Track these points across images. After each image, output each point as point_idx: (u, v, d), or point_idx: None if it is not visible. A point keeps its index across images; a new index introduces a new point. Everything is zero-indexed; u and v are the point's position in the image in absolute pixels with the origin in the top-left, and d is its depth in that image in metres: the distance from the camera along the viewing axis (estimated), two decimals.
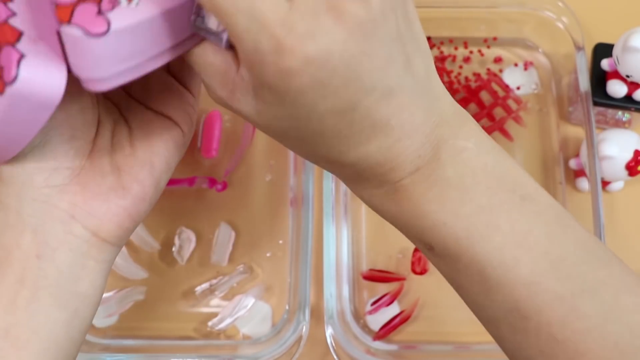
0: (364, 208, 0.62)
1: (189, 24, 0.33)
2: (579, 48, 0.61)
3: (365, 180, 0.36)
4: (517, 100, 0.64)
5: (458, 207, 0.34)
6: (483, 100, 0.64)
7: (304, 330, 0.54)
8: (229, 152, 0.63)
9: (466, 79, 0.64)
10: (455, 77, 0.64)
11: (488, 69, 0.65)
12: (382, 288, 0.59)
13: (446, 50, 0.65)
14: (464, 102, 0.63)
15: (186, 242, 0.60)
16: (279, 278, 0.60)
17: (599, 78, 0.61)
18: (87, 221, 0.36)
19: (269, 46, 0.29)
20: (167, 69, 0.40)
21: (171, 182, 0.62)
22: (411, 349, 0.58)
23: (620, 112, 0.63)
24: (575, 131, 0.64)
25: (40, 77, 0.31)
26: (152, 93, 0.40)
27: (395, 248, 0.61)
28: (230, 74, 0.33)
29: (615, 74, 0.59)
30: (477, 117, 0.63)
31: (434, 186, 0.34)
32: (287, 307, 0.59)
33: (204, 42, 0.33)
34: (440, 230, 0.34)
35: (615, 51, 0.58)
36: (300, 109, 0.31)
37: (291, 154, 0.62)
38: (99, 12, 0.30)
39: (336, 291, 0.56)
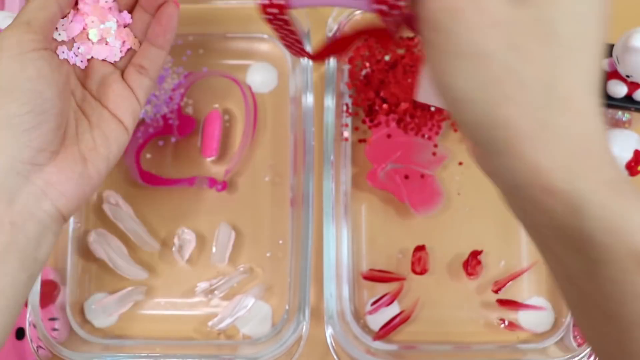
0: (364, 208, 0.62)
1: None
2: None
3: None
4: None
5: None
6: None
7: (304, 330, 0.54)
8: (229, 152, 0.63)
9: None
10: None
11: None
12: (382, 288, 0.59)
13: None
14: None
15: (186, 242, 0.60)
16: (279, 278, 0.60)
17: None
18: (57, 200, 0.44)
19: None
20: (122, 76, 0.50)
21: (171, 182, 0.62)
22: (411, 349, 0.59)
23: (620, 112, 0.63)
24: None
25: None
26: (110, 96, 0.48)
27: (396, 248, 0.61)
28: None
29: (615, 74, 0.59)
30: None
31: None
32: (287, 307, 0.59)
33: None
34: None
35: (615, 51, 0.57)
36: None
37: (291, 154, 0.62)
38: None
39: (336, 291, 0.56)
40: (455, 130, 0.63)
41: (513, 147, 0.33)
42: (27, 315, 0.54)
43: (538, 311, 0.59)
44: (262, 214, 0.62)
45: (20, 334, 0.58)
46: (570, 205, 0.32)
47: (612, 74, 0.59)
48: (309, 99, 0.59)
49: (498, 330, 0.59)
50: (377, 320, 0.59)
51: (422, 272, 0.59)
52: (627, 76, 0.57)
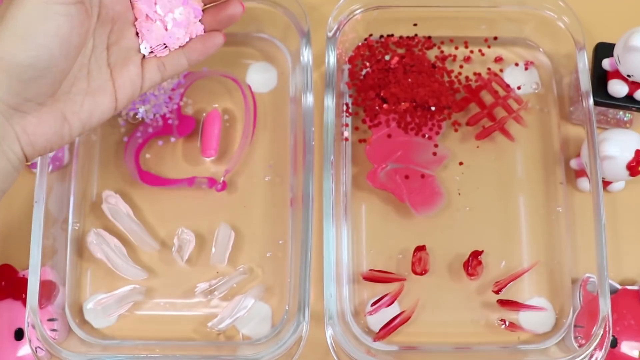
0: (364, 208, 0.62)
1: None
2: (580, 47, 0.61)
3: None
4: (518, 100, 0.63)
5: None
6: (484, 100, 0.63)
7: (304, 330, 0.54)
8: (228, 152, 0.63)
9: (467, 78, 0.64)
10: (456, 76, 0.64)
11: (489, 69, 0.65)
12: (382, 288, 0.59)
13: (447, 49, 0.65)
14: (464, 102, 0.63)
15: (185, 242, 0.60)
16: (279, 278, 0.60)
17: (600, 78, 0.60)
18: (27, 147, 0.46)
19: None
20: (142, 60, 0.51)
21: (170, 182, 0.62)
22: (412, 350, 0.58)
23: (621, 112, 0.63)
24: (576, 131, 0.64)
25: None
26: (123, 72, 0.49)
27: (396, 248, 0.60)
28: None
29: (616, 74, 0.59)
30: (477, 117, 0.63)
31: None
32: (287, 308, 0.59)
33: None
34: None
35: (616, 51, 0.57)
36: None
37: (291, 154, 0.62)
38: None
39: (336, 292, 0.56)
40: (456, 130, 0.63)
41: None
42: (26, 316, 0.54)
43: (539, 312, 0.59)
44: (262, 214, 0.61)
45: (19, 334, 0.58)
46: None
47: (613, 74, 0.59)
48: (309, 99, 0.59)
49: (499, 331, 0.58)
50: (377, 321, 0.58)
51: (423, 272, 0.59)
52: (628, 76, 0.57)
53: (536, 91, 0.65)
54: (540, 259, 0.60)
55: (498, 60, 0.66)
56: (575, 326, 0.58)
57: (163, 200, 0.62)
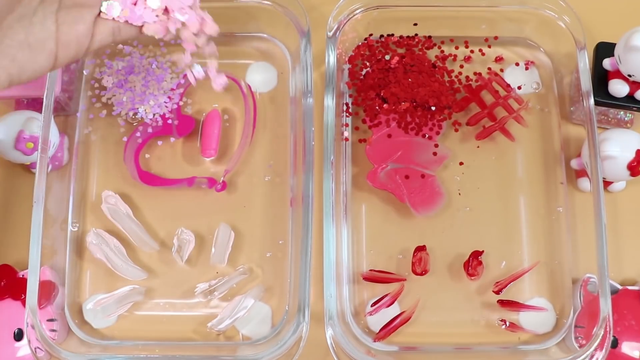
0: (364, 208, 0.61)
1: None
2: (580, 47, 0.61)
3: None
4: (518, 100, 0.63)
5: None
6: (484, 99, 0.63)
7: (304, 331, 0.54)
8: (228, 152, 0.63)
9: (467, 78, 0.64)
10: (456, 76, 0.64)
11: (489, 69, 0.65)
12: (383, 289, 0.59)
13: (447, 49, 0.65)
14: (465, 102, 0.63)
15: (185, 242, 0.60)
16: (278, 278, 0.60)
17: (601, 77, 0.60)
18: None
19: None
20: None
21: (170, 182, 0.61)
22: (412, 350, 0.58)
23: (622, 112, 0.63)
24: (577, 131, 0.64)
25: None
26: (71, 26, 0.46)
27: (396, 249, 0.60)
28: None
29: (617, 74, 0.59)
30: (478, 117, 0.63)
31: None
32: (286, 308, 0.59)
33: None
34: None
35: (617, 50, 0.57)
36: None
37: (291, 154, 0.62)
38: None
39: (336, 292, 0.56)
40: (456, 130, 0.63)
41: None
42: (26, 317, 0.54)
43: (539, 312, 0.58)
44: (262, 214, 0.61)
45: (18, 335, 0.58)
46: None
47: (614, 74, 0.59)
48: (309, 99, 0.59)
49: (499, 331, 0.58)
50: (377, 321, 0.58)
51: (423, 272, 0.59)
52: (629, 75, 0.57)
53: (537, 91, 0.65)
54: (541, 259, 0.60)
55: (498, 60, 0.65)
56: (575, 326, 0.58)
57: (163, 200, 0.62)
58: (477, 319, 0.59)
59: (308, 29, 0.61)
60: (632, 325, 0.57)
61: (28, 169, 0.62)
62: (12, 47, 0.44)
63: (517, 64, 0.65)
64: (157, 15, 0.50)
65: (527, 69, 0.65)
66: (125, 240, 0.60)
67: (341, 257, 0.59)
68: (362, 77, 0.63)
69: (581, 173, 0.61)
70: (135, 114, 0.62)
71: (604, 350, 0.53)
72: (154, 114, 0.62)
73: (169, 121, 0.62)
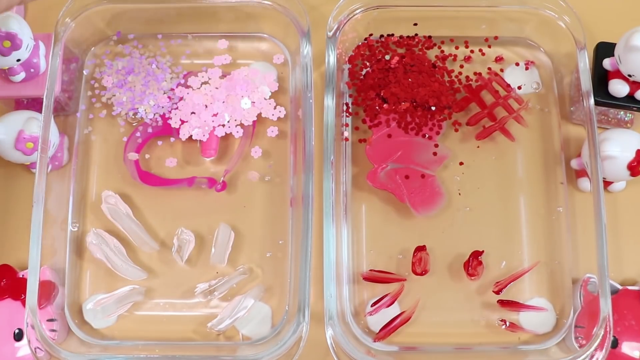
0: (364, 208, 0.61)
1: None
2: (580, 47, 0.61)
3: None
4: (519, 100, 0.63)
5: None
6: (484, 99, 0.63)
7: (304, 331, 0.54)
8: (228, 152, 0.63)
9: (467, 78, 0.64)
10: (456, 76, 0.64)
11: (489, 68, 0.65)
12: (383, 289, 0.59)
13: (447, 49, 0.65)
14: (465, 102, 0.63)
15: (185, 242, 0.60)
16: (278, 278, 0.60)
17: (601, 77, 0.60)
18: None
19: None
20: None
21: (170, 182, 0.61)
22: (412, 351, 0.58)
23: (622, 112, 0.63)
24: (577, 131, 0.64)
25: None
26: None
27: (396, 249, 0.60)
28: None
29: (617, 74, 0.59)
30: (478, 117, 0.63)
31: None
32: (286, 308, 0.59)
33: None
34: None
35: (617, 50, 0.57)
36: None
37: (291, 154, 0.62)
38: None
39: (336, 292, 0.56)
40: (456, 130, 0.63)
41: None
42: (25, 317, 0.54)
43: (539, 312, 0.58)
44: (262, 214, 0.61)
45: (18, 335, 0.58)
46: None
47: (614, 74, 0.59)
48: (309, 99, 0.59)
49: (499, 332, 0.58)
50: (377, 321, 0.58)
51: (423, 272, 0.59)
52: (629, 75, 0.57)
53: (537, 91, 0.65)
54: (541, 259, 0.60)
55: (498, 59, 0.65)
56: (575, 326, 0.58)
57: (163, 200, 0.62)
58: (477, 319, 0.59)
59: (308, 29, 0.61)
60: (632, 325, 0.57)
61: (28, 169, 0.63)
62: None
63: (517, 64, 0.65)
64: None
65: (527, 69, 0.65)
66: (125, 240, 0.60)
67: (341, 257, 0.59)
68: (362, 77, 0.63)
69: (581, 173, 0.61)
70: (135, 114, 0.62)
71: (604, 350, 0.53)
72: (154, 114, 0.62)
73: (169, 121, 0.62)
